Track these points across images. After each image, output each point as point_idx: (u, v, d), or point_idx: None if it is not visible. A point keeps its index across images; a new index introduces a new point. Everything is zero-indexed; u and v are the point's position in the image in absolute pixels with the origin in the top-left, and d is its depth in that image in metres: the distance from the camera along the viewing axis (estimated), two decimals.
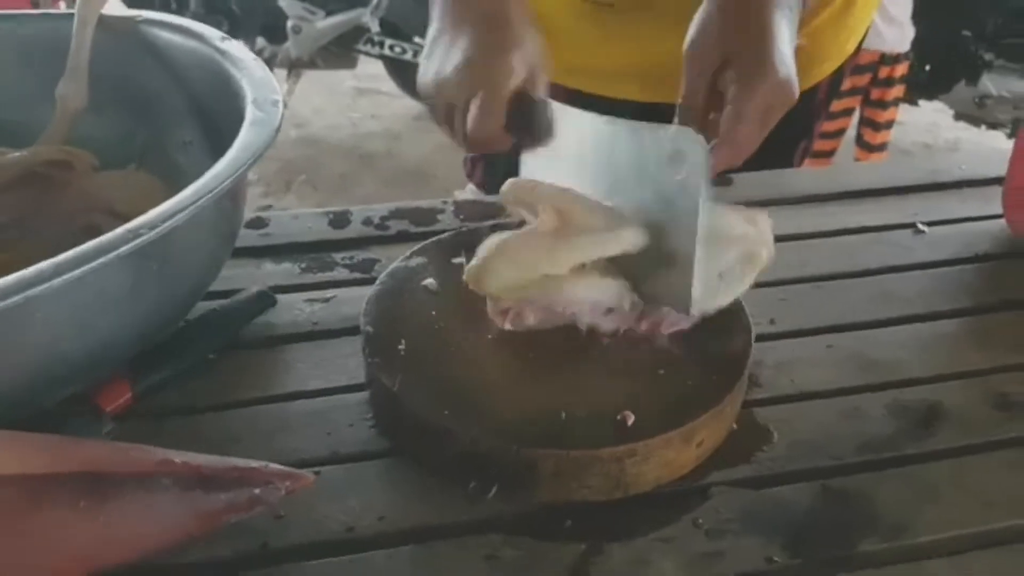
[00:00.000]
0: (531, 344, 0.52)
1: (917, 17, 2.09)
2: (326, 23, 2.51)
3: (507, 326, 0.52)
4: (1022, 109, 2.38)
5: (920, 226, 0.72)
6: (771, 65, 0.53)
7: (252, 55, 0.60)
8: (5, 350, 0.42)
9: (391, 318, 0.54)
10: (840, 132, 2.13)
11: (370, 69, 2.82)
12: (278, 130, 0.51)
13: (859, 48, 0.86)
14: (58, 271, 0.39)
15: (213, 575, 0.43)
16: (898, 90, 2.20)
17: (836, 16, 0.79)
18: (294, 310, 0.61)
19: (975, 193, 0.77)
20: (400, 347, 0.52)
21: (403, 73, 2.67)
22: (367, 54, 2.63)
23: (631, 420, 0.47)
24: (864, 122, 2.27)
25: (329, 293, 0.62)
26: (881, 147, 2.28)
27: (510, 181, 0.55)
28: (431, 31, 0.59)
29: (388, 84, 2.86)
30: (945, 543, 0.46)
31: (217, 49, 0.60)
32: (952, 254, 0.69)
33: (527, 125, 0.55)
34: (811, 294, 0.64)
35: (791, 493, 0.49)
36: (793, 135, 0.85)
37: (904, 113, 2.60)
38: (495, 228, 0.58)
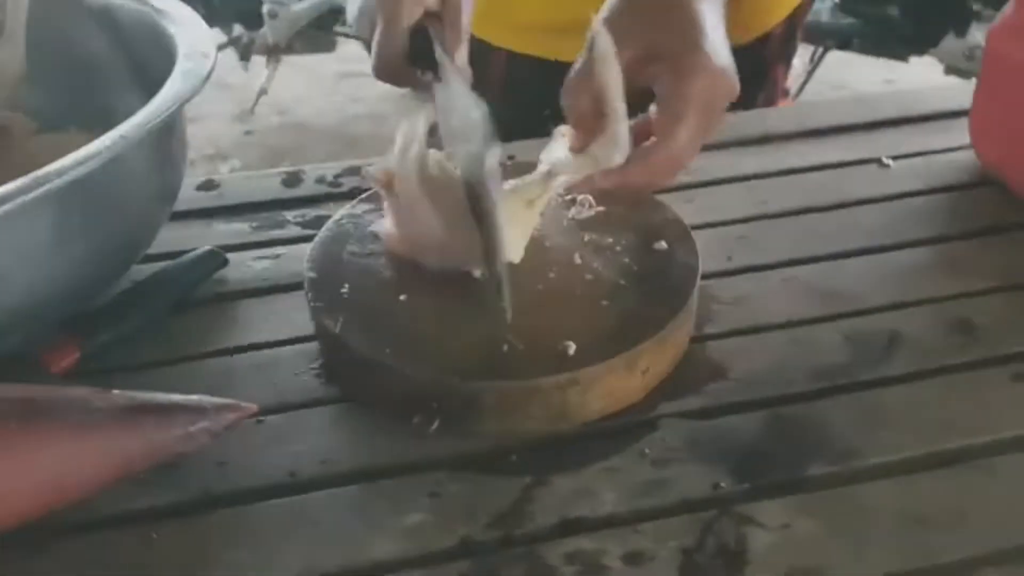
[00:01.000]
0: (473, 280, 0.51)
1: None
2: (302, 6, 2.49)
3: None
4: None
5: (885, 160, 0.71)
6: (704, 55, 0.46)
7: (190, 11, 0.60)
8: None
9: (335, 262, 0.53)
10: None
11: (351, 51, 2.80)
12: (206, 79, 0.50)
13: None
14: None
15: (155, 521, 0.43)
16: None
17: None
18: (243, 267, 0.60)
19: (942, 126, 0.75)
20: (343, 290, 0.51)
21: None
22: (346, 35, 2.61)
23: (572, 349, 0.46)
24: None
25: (280, 250, 0.62)
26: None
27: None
28: None
29: (370, 65, 2.83)
30: (896, 465, 0.45)
31: (154, 8, 0.60)
32: (919, 186, 0.68)
33: (431, 62, 0.52)
34: (770, 231, 0.63)
35: (741, 422, 0.48)
36: (750, 91, 0.82)
37: (894, 71, 2.57)
38: None
